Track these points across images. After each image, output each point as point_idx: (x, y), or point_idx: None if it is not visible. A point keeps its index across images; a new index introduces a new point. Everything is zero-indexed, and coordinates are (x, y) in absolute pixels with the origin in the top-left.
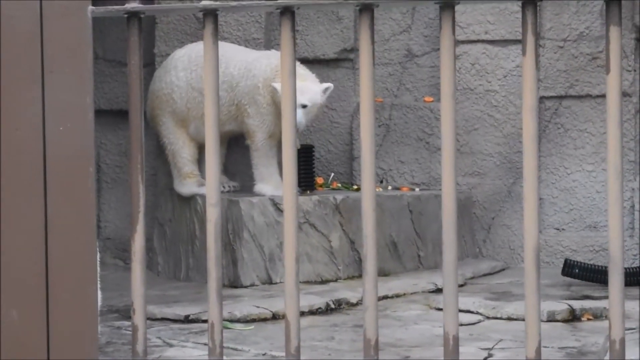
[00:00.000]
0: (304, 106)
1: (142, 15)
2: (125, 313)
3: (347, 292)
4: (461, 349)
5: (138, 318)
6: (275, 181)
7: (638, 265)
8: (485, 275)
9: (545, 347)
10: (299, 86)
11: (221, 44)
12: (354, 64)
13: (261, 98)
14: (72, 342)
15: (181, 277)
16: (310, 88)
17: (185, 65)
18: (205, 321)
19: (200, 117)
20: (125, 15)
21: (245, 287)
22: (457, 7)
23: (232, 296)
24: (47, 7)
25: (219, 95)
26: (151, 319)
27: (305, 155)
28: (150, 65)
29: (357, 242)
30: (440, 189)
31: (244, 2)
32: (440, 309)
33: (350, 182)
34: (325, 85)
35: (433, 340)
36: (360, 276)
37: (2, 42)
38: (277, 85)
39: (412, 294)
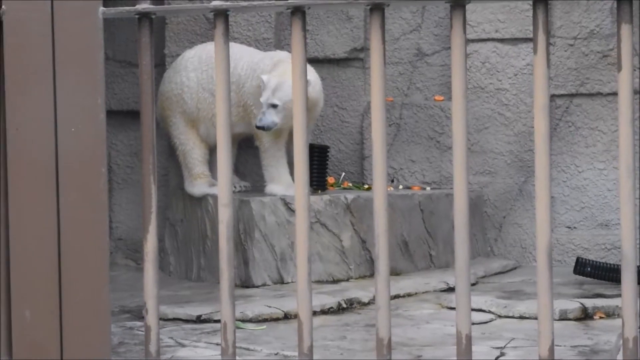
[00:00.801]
0: (274, 106)
1: (153, 16)
2: (137, 313)
3: (358, 291)
4: (473, 348)
5: (151, 318)
6: (285, 181)
7: None
8: (496, 274)
9: (557, 345)
10: (275, 83)
11: (229, 44)
12: (364, 63)
13: None
14: (85, 343)
15: (193, 277)
16: (285, 86)
17: (195, 65)
18: (217, 321)
19: (211, 118)
20: (136, 16)
21: (257, 287)
22: (467, 6)
23: (243, 296)
24: (58, 8)
25: (230, 95)
26: (163, 319)
27: (319, 155)
28: (160, 65)
29: (368, 242)
30: (451, 188)
31: (254, 2)
32: (452, 308)
33: (361, 181)
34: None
35: (445, 339)
36: (371, 275)
37: (14, 43)
38: (264, 77)
39: (423, 293)
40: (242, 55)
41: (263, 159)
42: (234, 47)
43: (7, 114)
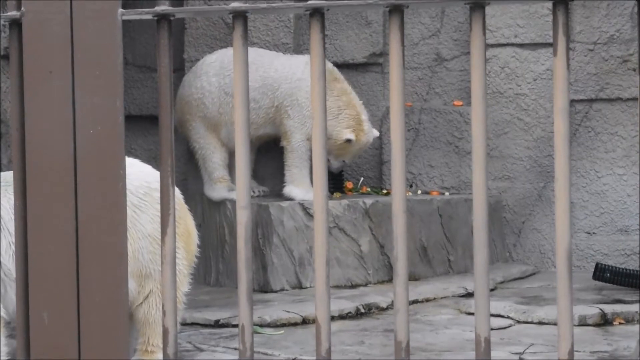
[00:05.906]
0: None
1: (171, 18)
2: None
3: (377, 296)
4: (492, 353)
5: (169, 321)
6: (306, 185)
7: None
8: (515, 279)
9: (577, 351)
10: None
11: (257, 49)
12: (383, 68)
13: (307, 101)
14: (103, 345)
15: (211, 282)
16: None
17: (217, 70)
18: (235, 326)
19: (234, 122)
20: (155, 18)
21: (275, 291)
22: (487, 10)
23: (262, 301)
24: (77, 9)
25: (249, 97)
26: (182, 323)
27: None
28: (179, 70)
29: (386, 247)
30: (470, 193)
31: (273, 4)
32: (471, 314)
33: (379, 186)
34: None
35: (464, 344)
36: (390, 280)
37: (33, 44)
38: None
39: (442, 298)
40: (273, 58)
41: (288, 158)
42: (261, 51)
43: (25, 115)
